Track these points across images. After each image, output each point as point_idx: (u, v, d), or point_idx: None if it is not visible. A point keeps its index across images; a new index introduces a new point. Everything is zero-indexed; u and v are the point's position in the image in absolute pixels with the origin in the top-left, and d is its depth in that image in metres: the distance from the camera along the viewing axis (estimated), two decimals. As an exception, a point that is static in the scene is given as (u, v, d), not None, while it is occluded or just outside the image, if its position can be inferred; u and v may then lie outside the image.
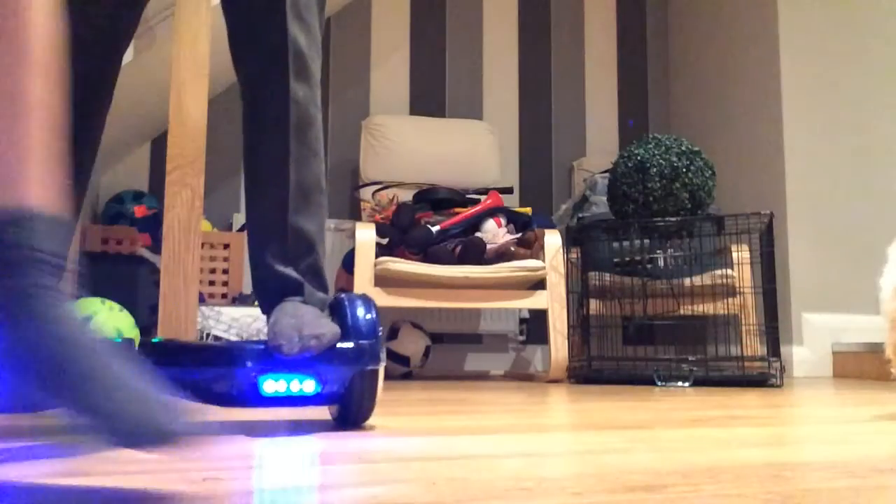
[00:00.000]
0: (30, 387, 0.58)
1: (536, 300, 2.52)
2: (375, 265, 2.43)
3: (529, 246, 2.64)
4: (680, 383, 2.24)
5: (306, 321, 0.95)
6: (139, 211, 2.63)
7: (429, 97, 3.63)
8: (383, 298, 2.43)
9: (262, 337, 2.23)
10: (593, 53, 3.89)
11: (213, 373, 0.96)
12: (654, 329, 3.56)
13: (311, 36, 1.10)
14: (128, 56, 2.30)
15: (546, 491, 0.58)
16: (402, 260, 2.46)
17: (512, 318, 3.43)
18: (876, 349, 2.77)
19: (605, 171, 3.27)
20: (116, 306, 1.76)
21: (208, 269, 2.77)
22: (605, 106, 3.87)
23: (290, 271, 1.05)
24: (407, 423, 1.07)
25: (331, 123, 3.49)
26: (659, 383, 2.25)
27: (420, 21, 3.67)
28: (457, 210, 2.74)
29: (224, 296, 2.77)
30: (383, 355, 0.99)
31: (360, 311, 0.99)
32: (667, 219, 2.42)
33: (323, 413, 1.22)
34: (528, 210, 2.80)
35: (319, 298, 1.06)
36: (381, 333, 1.00)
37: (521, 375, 3.07)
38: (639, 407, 1.42)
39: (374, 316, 1.00)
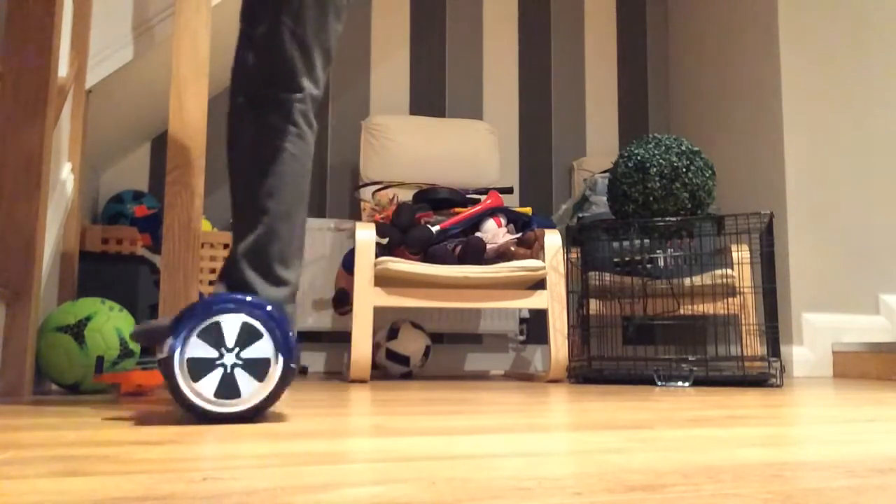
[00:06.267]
0: None
1: (536, 300, 2.53)
2: (375, 265, 2.43)
3: (529, 246, 2.64)
4: (680, 383, 2.24)
5: None
6: (139, 211, 2.63)
7: (429, 97, 3.63)
8: (383, 298, 2.43)
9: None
10: (593, 53, 3.89)
11: None
12: (654, 329, 3.56)
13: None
14: (127, 56, 2.29)
15: (546, 491, 0.58)
16: (402, 260, 2.46)
17: (512, 318, 3.43)
18: (876, 349, 2.77)
19: (605, 171, 3.27)
20: (116, 306, 1.76)
21: (208, 269, 2.77)
22: (605, 106, 3.87)
23: None
24: (407, 423, 1.07)
25: (331, 123, 3.49)
26: (659, 383, 2.25)
27: (420, 21, 3.67)
28: (457, 210, 2.74)
29: (224, 296, 2.76)
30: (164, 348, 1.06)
31: None
32: (667, 219, 2.42)
33: (323, 413, 1.22)
34: (528, 210, 2.80)
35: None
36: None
37: (521, 375, 3.07)
38: (639, 407, 1.42)
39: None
